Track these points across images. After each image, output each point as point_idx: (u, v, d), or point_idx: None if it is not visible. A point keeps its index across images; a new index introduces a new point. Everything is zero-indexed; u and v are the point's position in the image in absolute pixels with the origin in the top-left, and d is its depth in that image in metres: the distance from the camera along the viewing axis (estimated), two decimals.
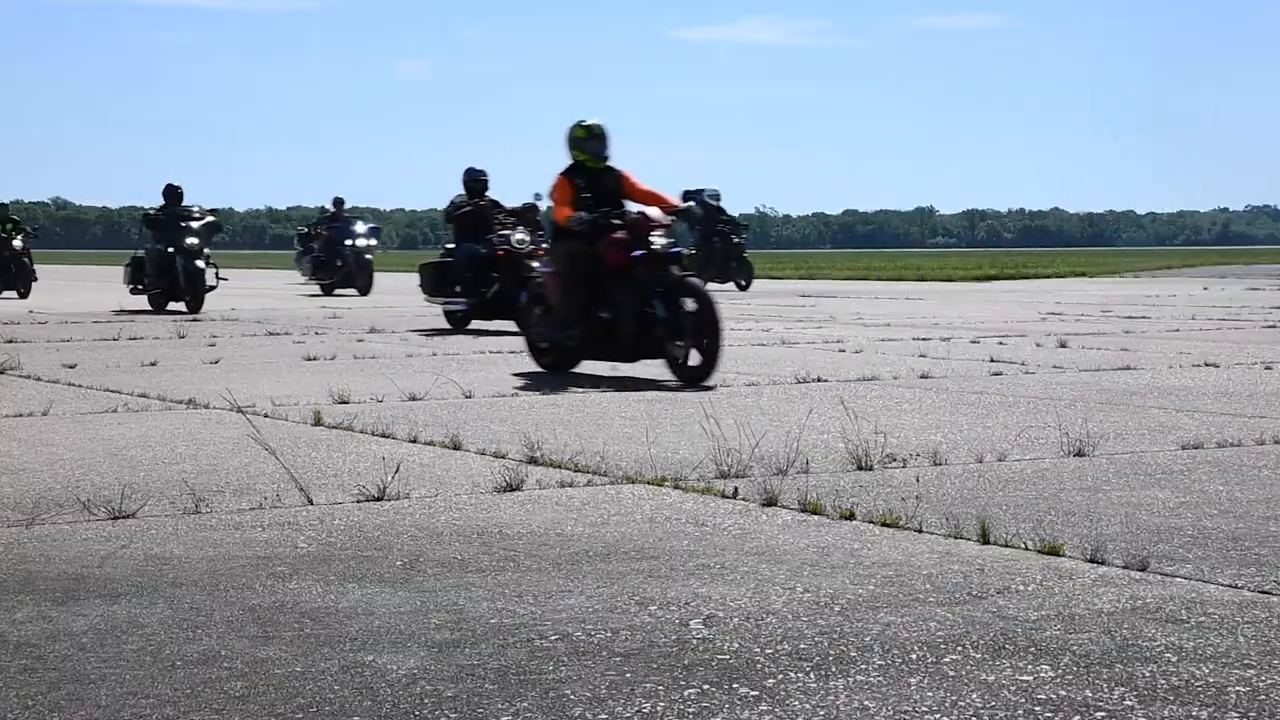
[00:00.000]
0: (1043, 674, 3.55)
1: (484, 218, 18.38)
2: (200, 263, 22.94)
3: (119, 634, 3.95)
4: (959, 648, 3.77)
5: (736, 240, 32.47)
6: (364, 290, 30.83)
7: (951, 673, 3.56)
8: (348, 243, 31.53)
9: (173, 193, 23.83)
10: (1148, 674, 3.55)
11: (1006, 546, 5.01)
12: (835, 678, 3.53)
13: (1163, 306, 23.34)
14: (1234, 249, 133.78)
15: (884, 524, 5.38)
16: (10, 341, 15.41)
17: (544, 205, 18.49)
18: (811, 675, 3.55)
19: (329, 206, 35.20)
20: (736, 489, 6.09)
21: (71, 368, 12.21)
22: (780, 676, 3.54)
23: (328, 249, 31.86)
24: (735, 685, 3.48)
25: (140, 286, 23.98)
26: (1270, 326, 17.70)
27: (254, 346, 14.99)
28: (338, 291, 31.08)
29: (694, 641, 3.85)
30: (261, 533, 5.32)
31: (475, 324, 18.30)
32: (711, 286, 29.84)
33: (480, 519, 5.56)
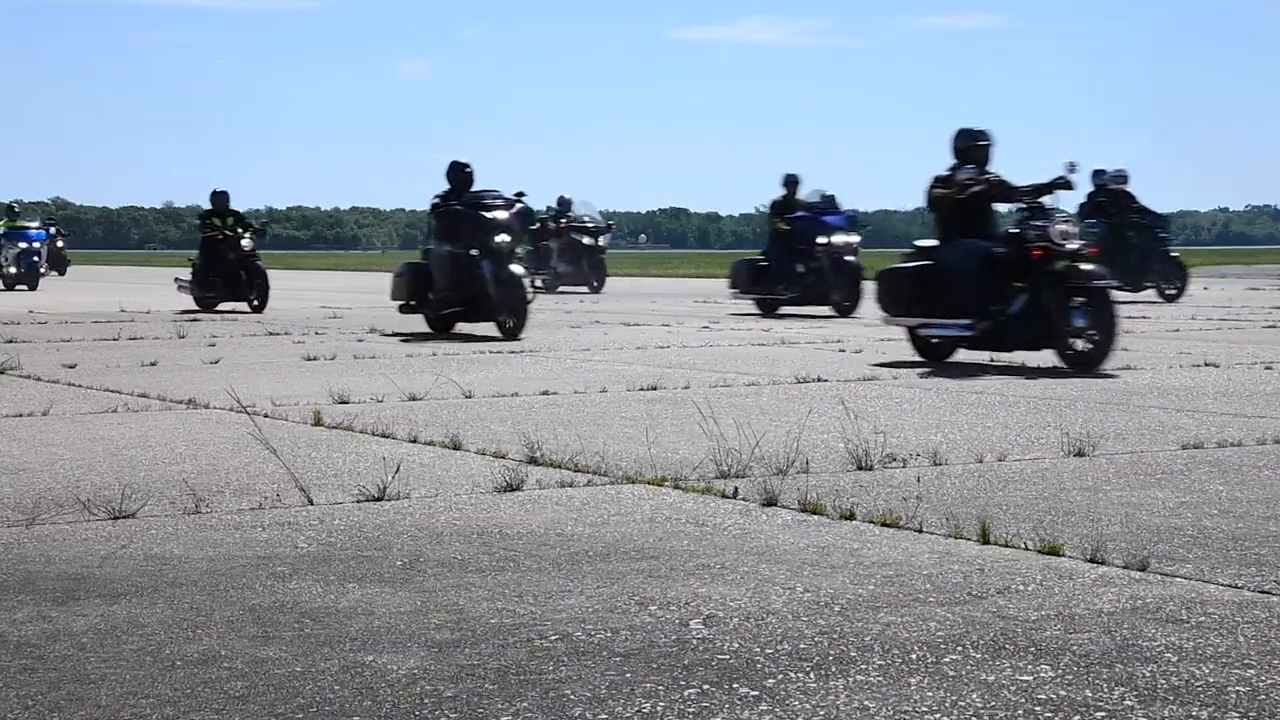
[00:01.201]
0: (1043, 674, 3.55)
1: (987, 202, 12.85)
2: (517, 268, 16.43)
3: (119, 634, 3.95)
4: (959, 648, 3.77)
5: (1161, 234, 25.56)
6: (846, 308, 21.38)
7: (951, 673, 3.56)
8: (821, 241, 21.68)
9: (460, 173, 17.21)
10: (1148, 674, 3.55)
11: (1006, 546, 5.01)
12: (835, 678, 3.53)
13: (1163, 306, 23.34)
14: (1234, 249, 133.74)
15: (884, 524, 5.38)
16: (10, 341, 15.41)
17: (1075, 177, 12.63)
18: (811, 675, 3.55)
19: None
20: (736, 489, 6.09)
21: (71, 368, 12.21)
22: (780, 676, 3.54)
23: (782, 250, 21.86)
24: (735, 685, 3.48)
25: (414, 302, 17.17)
26: (1270, 326, 17.69)
27: (254, 346, 14.99)
28: (788, 309, 21.77)
29: (694, 641, 3.85)
30: (261, 533, 5.32)
31: (963, 354, 12.87)
32: (1121, 294, 22.46)
33: (480, 519, 5.56)
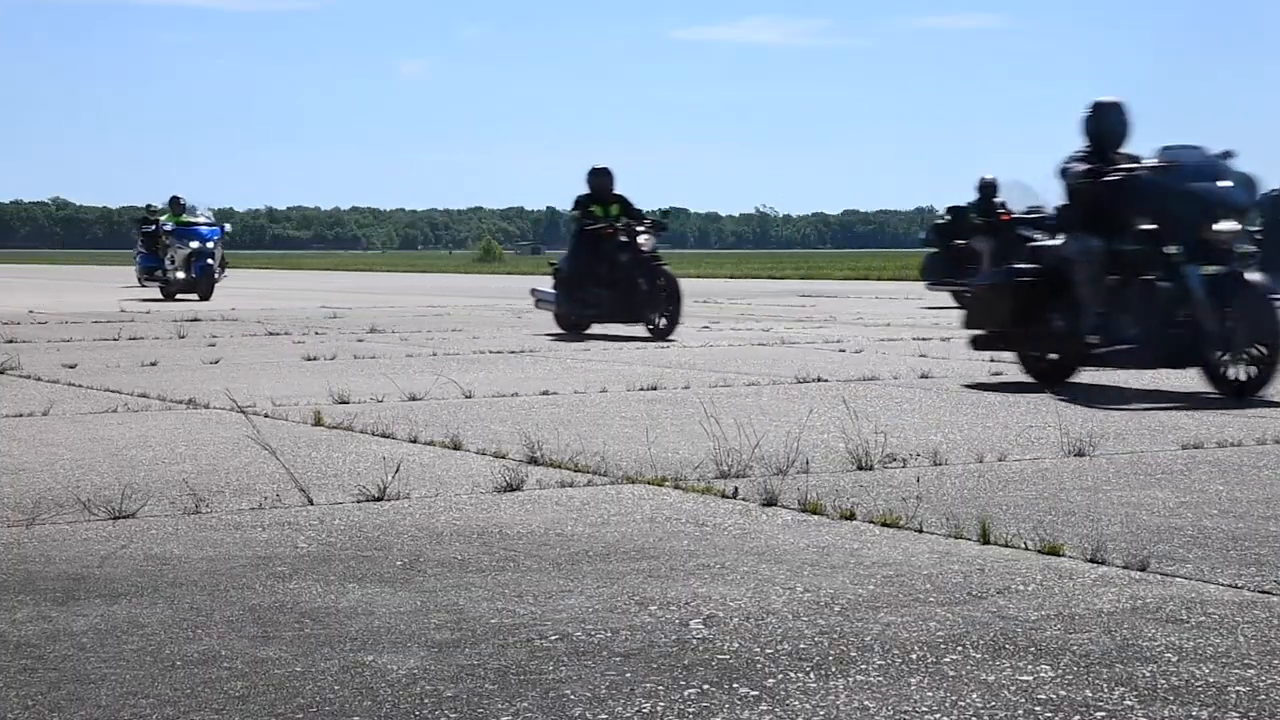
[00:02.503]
0: (1043, 674, 3.55)
1: None
2: (1258, 277, 10.04)
3: (119, 634, 3.95)
4: (959, 648, 3.77)
5: None
6: None
7: (951, 673, 3.56)
8: None
9: (1110, 119, 10.92)
10: (1148, 674, 3.55)
11: (1006, 546, 5.01)
12: (835, 678, 3.53)
13: None
14: None
15: (884, 524, 5.38)
16: (10, 341, 15.41)
17: None
18: (811, 675, 3.55)
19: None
20: (736, 489, 6.08)
21: (71, 368, 12.21)
22: (780, 676, 3.54)
23: None
24: (735, 685, 3.48)
25: (1004, 331, 10.85)
26: None
27: (254, 346, 14.99)
28: None
29: (694, 641, 3.85)
30: (261, 533, 5.32)
31: None
32: None
33: (480, 519, 5.56)
